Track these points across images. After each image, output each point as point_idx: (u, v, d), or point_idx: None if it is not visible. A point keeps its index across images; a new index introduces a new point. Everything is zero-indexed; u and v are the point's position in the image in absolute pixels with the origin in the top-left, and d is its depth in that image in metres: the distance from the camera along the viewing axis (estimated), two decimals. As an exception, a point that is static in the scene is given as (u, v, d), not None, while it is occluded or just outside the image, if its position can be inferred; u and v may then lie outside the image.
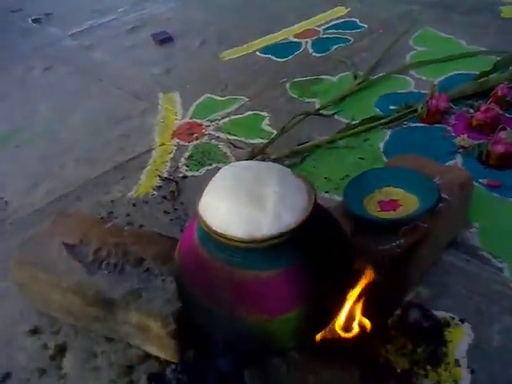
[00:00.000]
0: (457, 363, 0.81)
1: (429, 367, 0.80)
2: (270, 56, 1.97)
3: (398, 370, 0.79)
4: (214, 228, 0.63)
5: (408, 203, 0.92)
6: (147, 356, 0.87)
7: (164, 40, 2.22)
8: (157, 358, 0.86)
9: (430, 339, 0.83)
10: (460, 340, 0.84)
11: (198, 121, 1.58)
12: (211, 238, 0.64)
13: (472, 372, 0.79)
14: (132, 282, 0.84)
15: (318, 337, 0.73)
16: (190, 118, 1.60)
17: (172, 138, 1.51)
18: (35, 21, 2.74)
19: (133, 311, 0.81)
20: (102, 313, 0.85)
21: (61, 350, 0.92)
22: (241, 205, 0.63)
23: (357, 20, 2.20)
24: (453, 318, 0.87)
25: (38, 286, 0.92)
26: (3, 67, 2.20)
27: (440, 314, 0.88)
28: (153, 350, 0.85)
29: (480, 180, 1.18)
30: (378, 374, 0.77)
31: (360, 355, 0.74)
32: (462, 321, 0.87)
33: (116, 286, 0.84)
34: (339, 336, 0.73)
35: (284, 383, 0.69)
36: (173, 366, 0.85)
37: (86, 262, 0.89)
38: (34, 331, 0.96)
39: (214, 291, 0.65)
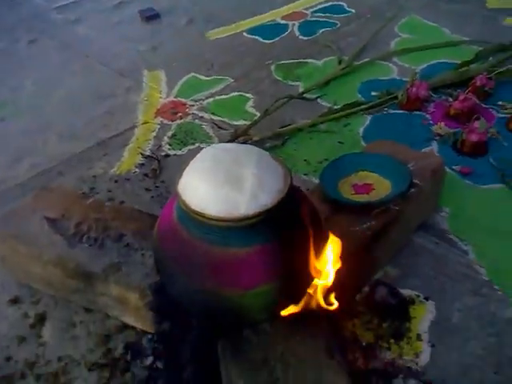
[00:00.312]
0: (419, 338, 0.86)
1: (392, 341, 0.85)
2: (256, 37, 1.98)
3: (363, 343, 0.83)
4: (193, 207, 0.65)
5: (381, 187, 0.96)
6: (124, 326, 0.91)
7: (151, 17, 2.21)
8: (134, 329, 0.90)
9: (395, 315, 0.88)
10: (423, 316, 0.89)
11: (183, 100, 1.59)
12: (190, 216, 0.66)
13: (432, 346, 0.84)
14: (112, 256, 0.87)
15: (288, 310, 0.77)
16: (175, 97, 1.61)
17: (156, 117, 1.52)
18: (20, -8, 2.70)
19: (112, 283, 0.83)
20: (82, 285, 0.88)
21: (40, 319, 0.95)
22: (219, 185, 0.66)
23: (344, 4, 2.22)
24: (418, 296, 0.92)
25: (19, 258, 0.95)
26: (-12, 38, 2.17)
27: (406, 292, 0.93)
28: (130, 320, 0.89)
29: (453, 167, 1.22)
30: (344, 345, 0.82)
31: (327, 328, 0.78)
32: (427, 299, 0.92)
33: (96, 260, 0.86)
34: (308, 310, 0.77)
35: (254, 353, 0.73)
36: (149, 336, 0.88)
37: (66, 236, 0.92)
38: (15, 301, 0.99)
39: (191, 267, 0.68)
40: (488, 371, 0.81)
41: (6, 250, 0.96)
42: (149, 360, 0.85)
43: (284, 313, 0.74)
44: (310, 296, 0.76)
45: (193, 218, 0.67)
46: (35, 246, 0.91)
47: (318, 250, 0.72)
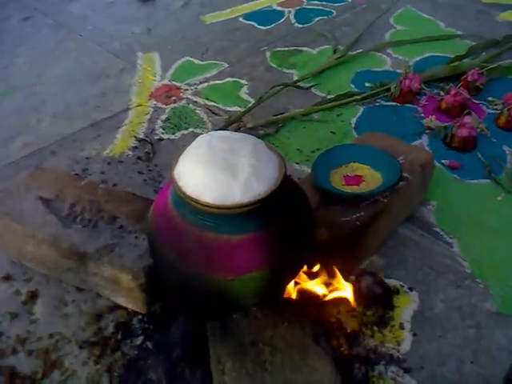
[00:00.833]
0: (401, 326, 0.89)
1: (375, 328, 0.88)
2: (252, 23, 1.98)
3: (348, 330, 0.86)
4: (188, 193, 0.67)
5: (371, 179, 0.98)
6: (116, 306, 0.92)
7: (146, -2, 2.19)
8: (125, 309, 0.91)
9: (379, 304, 0.90)
10: (406, 306, 0.92)
11: (177, 84, 1.60)
12: (184, 202, 0.68)
13: (414, 335, 0.87)
14: (105, 238, 0.88)
15: (278, 296, 0.79)
16: (169, 81, 1.61)
17: (149, 100, 1.52)
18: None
19: (105, 264, 0.85)
20: (75, 264, 0.89)
21: (32, 297, 0.96)
22: (215, 173, 0.67)
23: (341, -7, 2.22)
24: (402, 286, 0.95)
25: (13, 236, 0.95)
26: (-20, 13, 2.14)
27: (391, 282, 0.96)
28: (121, 301, 0.91)
29: (442, 161, 1.24)
30: (329, 331, 0.85)
31: (313, 314, 0.81)
32: (411, 289, 0.95)
33: (90, 240, 0.88)
34: (297, 295, 0.80)
35: (243, 336, 0.75)
36: (139, 317, 0.90)
37: (60, 216, 0.93)
38: (7, 278, 1.00)
39: (185, 252, 0.70)
40: (465, 361, 0.84)
41: (0, 228, 0.96)
42: (139, 340, 0.87)
43: (274, 298, 0.77)
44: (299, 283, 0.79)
45: (187, 204, 0.69)
46: (29, 225, 0.92)
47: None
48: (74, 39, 1.91)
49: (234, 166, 0.69)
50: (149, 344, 0.86)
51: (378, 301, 0.91)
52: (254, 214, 0.68)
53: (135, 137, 1.36)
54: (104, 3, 2.20)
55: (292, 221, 0.73)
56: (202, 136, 0.75)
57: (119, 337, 0.88)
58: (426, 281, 0.97)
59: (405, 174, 0.97)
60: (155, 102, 1.51)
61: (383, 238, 1.02)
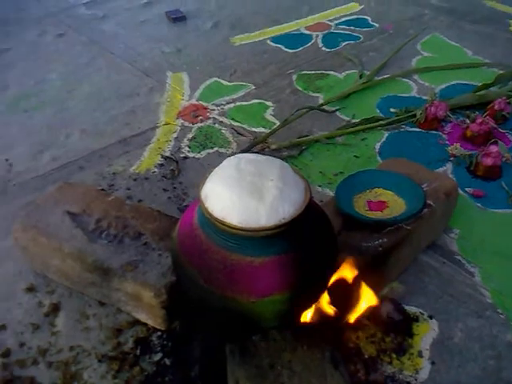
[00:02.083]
0: (420, 354, 0.88)
1: (394, 355, 0.87)
2: (280, 46, 2.01)
3: (366, 356, 0.86)
4: (214, 215, 0.68)
5: (395, 206, 0.98)
6: (136, 322, 0.94)
7: (177, 18, 2.25)
8: (144, 325, 0.93)
9: (398, 331, 0.90)
10: (426, 334, 0.91)
11: (204, 103, 1.63)
12: (210, 222, 0.69)
13: (432, 363, 0.87)
14: (130, 254, 0.90)
15: (298, 319, 0.79)
16: (197, 100, 1.64)
17: (177, 118, 1.55)
18: (51, -15, 2.75)
19: (128, 280, 0.86)
20: (99, 279, 0.91)
21: (55, 309, 0.98)
22: (242, 195, 0.69)
23: (369, 18, 2.24)
24: (422, 314, 0.94)
25: (39, 249, 0.98)
26: (18, 29, 2.22)
27: (411, 309, 0.95)
28: (142, 317, 0.92)
29: (466, 189, 1.24)
30: (347, 356, 0.84)
31: (332, 339, 0.80)
32: (431, 317, 0.94)
33: (114, 256, 0.89)
34: (316, 320, 0.80)
35: (262, 358, 0.75)
36: (159, 333, 0.91)
37: (87, 231, 0.95)
38: (31, 289, 1.02)
39: (209, 271, 0.71)
40: (485, 393, 0.83)
41: (27, 240, 0.99)
42: (157, 356, 0.88)
43: (294, 322, 0.77)
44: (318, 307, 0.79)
45: (213, 225, 0.70)
46: (56, 239, 0.94)
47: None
48: (106, 57, 1.96)
49: (261, 189, 0.70)
50: (167, 361, 0.87)
51: (397, 328, 0.90)
52: (278, 237, 0.69)
53: (161, 154, 1.38)
54: (135, 22, 2.26)
55: (315, 245, 0.74)
56: (229, 158, 0.77)
57: (138, 352, 0.89)
58: (447, 309, 0.96)
59: (429, 202, 0.97)
60: (182, 121, 1.54)
61: (405, 264, 1.01)
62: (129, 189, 1.27)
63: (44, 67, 1.90)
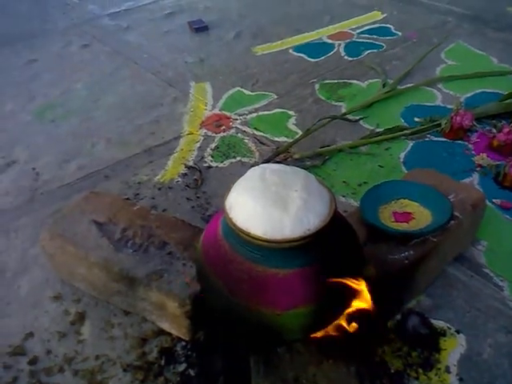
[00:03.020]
0: (447, 370, 0.86)
1: (421, 371, 0.85)
2: (302, 55, 2.01)
3: (392, 370, 0.84)
4: (239, 225, 0.68)
5: (421, 217, 0.97)
6: (160, 331, 0.94)
7: (200, 29, 2.27)
8: (169, 335, 0.93)
9: (425, 345, 0.88)
10: (453, 349, 0.89)
11: (227, 113, 1.63)
12: (235, 233, 0.69)
13: (460, 380, 0.85)
14: (155, 263, 0.90)
15: (323, 332, 0.79)
16: (220, 110, 1.65)
17: (200, 128, 1.56)
18: (76, -3, 2.81)
19: (153, 290, 0.87)
20: (124, 288, 0.92)
21: (81, 318, 0.99)
22: (266, 206, 0.68)
23: (391, 27, 2.23)
24: (449, 329, 0.92)
25: (66, 257, 0.99)
26: (43, 41, 2.27)
27: (438, 323, 0.93)
28: (166, 326, 0.92)
29: (493, 200, 1.21)
30: (373, 371, 0.83)
31: (358, 353, 0.79)
32: (458, 332, 0.92)
33: (140, 265, 0.90)
34: (341, 333, 0.79)
35: (286, 371, 0.75)
36: (183, 343, 0.91)
37: (113, 240, 0.96)
38: (57, 297, 1.03)
39: (233, 283, 0.71)
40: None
41: (54, 249, 1.00)
42: (182, 367, 0.88)
43: (318, 335, 0.76)
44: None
45: (237, 236, 0.70)
46: (82, 248, 0.96)
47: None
48: (130, 67, 1.99)
49: (285, 200, 0.70)
50: (191, 372, 0.87)
51: (424, 342, 0.89)
52: (303, 249, 0.68)
53: (185, 164, 1.39)
54: (159, 33, 2.29)
55: (340, 257, 0.73)
56: (253, 168, 0.77)
57: (163, 362, 0.89)
58: (475, 324, 0.94)
59: (456, 214, 0.96)
60: (205, 131, 1.55)
61: (431, 277, 1.00)
62: (153, 198, 1.28)
63: (69, 77, 1.93)
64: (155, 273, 0.88)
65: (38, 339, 0.96)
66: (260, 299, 0.70)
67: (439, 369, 0.86)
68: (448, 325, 0.93)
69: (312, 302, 0.70)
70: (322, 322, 0.75)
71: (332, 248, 0.71)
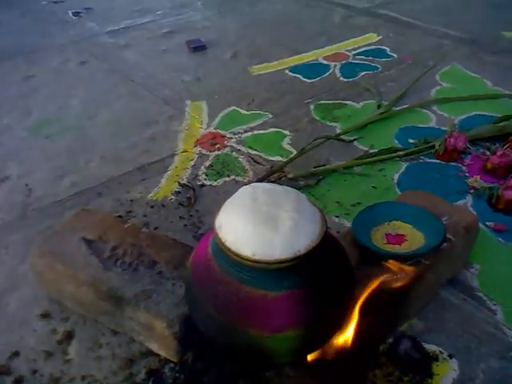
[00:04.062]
0: (440, 396, 0.84)
1: (412, 396, 0.84)
2: (298, 75, 2.02)
3: (383, 396, 0.83)
4: (228, 245, 0.67)
5: (414, 239, 0.96)
6: (148, 352, 0.92)
7: (197, 48, 2.29)
8: (157, 356, 0.91)
9: (417, 370, 0.87)
10: (446, 374, 0.87)
11: (222, 132, 1.64)
12: (224, 253, 0.68)
13: (453, 406, 0.83)
14: (144, 283, 0.89)
15: (313, 356, 0.77)
16: (215, 129, 1.66)
17: (195, 146, 1.56)
18: (75, 14, 2.85)
19: (142, 310, 0.86)
20: (112, 308, 0.90)
21: (68, 337, 0.97)
22: (256, 226, 0.67)
23: (387, 49, 2.25)
24: (442, 353, 0.91)
25: (55, 275, 0.98)
26: (42, 57, 2.29)
27: (430, 347, 0.92)
28: (154, 347, 0.90)
29: (487, 223, 1.21)
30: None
31: (349, 377, 0.78)
32: (451, 356, 0.90)
33: (128, 284, 0.89)
34: (331, 356, 0.78)
35: (275, 396, 0.74)
36: (171, 365, 0.89)
37: (102, 258, 0.95)
38: (45, 315, 1.02)
39: (221, 304, 0.70)
40: None
41: (42, 267, 0.99)
42: (169, 389, 0.87)
43: (308, 358, 0.75)
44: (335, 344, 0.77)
45: (226, 256, 0.69)
46: (71, 266, 0.94)
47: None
48: (127, 85, 2.00)
49: (276, 220, 0.69)
50: (179, 394, 0.86)
51: (415, 366, 0.87)
52: (293, 270, 0.67)
53: (179, 182, 1.39)
54: (157, 51, 2.31)
55: (331, 279, 0.72)
56: (244, 187, 0.76)
57: (150, 384, 0.88)
58: (468, 349, 0.92)
59: (448, 236, 0.95)
60: (200, 149, 1.55)
61: (424, 300, 0.99)
62: (145, 216, 1.27)
63: (66, 93, 1.94)
64: (144, 293, 0.87)
65: (24, 358, 0.94)
66: (248, 321, 0.69)
67: (431, 394, 0.85)
68: (440, 349, 0.92)
69: (301, 324, 0.69)
70: (312, 345, 0.74)
71: (322, 270, 0.71)
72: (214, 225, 0.71)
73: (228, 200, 0.75)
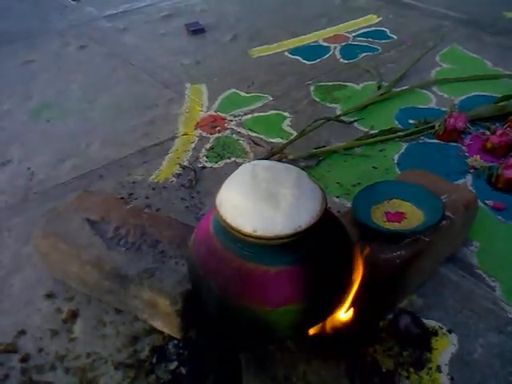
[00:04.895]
0: (439, 369, 0.86)
1: (412, 370, 0.85)
2: (298, 57, 2.02)
3: (383, 370, 0.84)
4: (229, 222, 0.68)
5: (413, 217, 0.97)
6: (152, 330, 0.94)
7: (196, 31, 2.27)
8: (161, 333, 0.93)
9: (416, 345, 0.88)
10: (445, 349, 0.89)
11: (222, 114, 1.64)
12: (225, 230, 0.69)
13: (452, 379, 0.85)
14: (147, 261, 0.90)
15: (314, 330, 0.79)
16: (215, 111, 1.66)
17: (195, 129, 1.57)
18: (74, -2, 2.82)
19: (145, 288, 0.87)
20: (116, 286, 0.92)
21: (73, 316, 0.99)
22: (257, 202, 0.68)
23: (387, 30, 2.24)
24: (441, 328, 0.93)
25: (59, 256, 0.99)
26: (41, 41, 2.28)
27: (430, 322, 0.93)
28: (158, 325, 0.92)
29: (486, 201, 1.22)
30: (364, 370, 0.83)
31: (349, 351, 0.79)
32: (450, 331, 0.92)
33: (132, 263, 0.90)
34: (333, 331, 0.79)
35: (277, 369, 0.75)
36: (175, 342, 0.91)
37: (105, 238, 0.96)
38: (50, 295, 1.04)
39: (224, 280, 0.71)
40: (506, 410, 0.81)
41: (46, 247, 1.00)
42: (173, 365, 0.88)
43: (309, 332, 0.76)
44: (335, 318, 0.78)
45: (228, 232, 0.70)
46: (75, 246, 0.96)
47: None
48: (126, 68, 1.99)
49: (276, 196, 0.69)
50: (183, 370, 0.87)
51: (415, 341, 0.89)
52: (294, 246, 0.68)
53: (180, 164, 1.39)
54: (156, 34, 2.29)
55: (331, 255, 0.73)
56: (244, 165, 0.76)
57: (154, 360, 0.89)
58: (466, 324, 0.94)
59: (447, 214, 0.96)
60: (200, 132, 1.55)
61: (423, 277, 1.00)
62: (147, 198, 1.28)
63: (66, 78, 1.94)
64: (147, 271, 0.88)
65: (30, 337, 0.96)
66: (250, 296, 0.70)
67: (430, 368, 0.86)
68: (440, 324, 0.93)
69: (302, 299, 0.70)
70: (313, 319, 0.75)
71: (323, 245, 0.71)
72: (215, 202, 0.72)
73: (228, 177, 0.75)
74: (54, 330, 0.97)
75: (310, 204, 0.70)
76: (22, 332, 0.96)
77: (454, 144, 1.45)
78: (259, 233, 0.67)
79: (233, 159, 1.42)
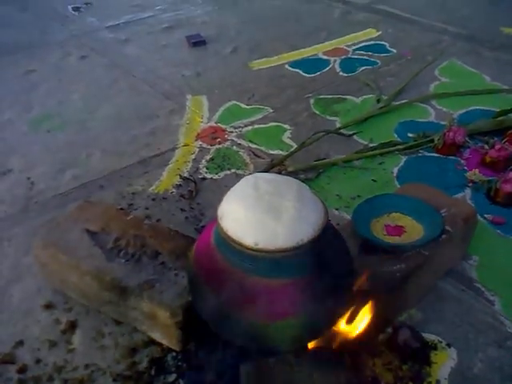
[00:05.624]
0: (438, 384, 0.86)
1: (411, 384, 0.85)
2: (298, 70, 2.03)
3: (382, 383, 0.84)
4: (231, 234, 0.68)
5: (413, 231, 0.98)
6: (151, 341, 0.94)
7: (197, 43, 2.29)
8: (160, 345, 0.93)
9: (416, 359, 0.88)
10: (444, 363, 0.89)
11: (222, 126, 1.65)
12: (227, 242, 0.69)
13: (451, 394, 0.85)
14: (147, 273, 0.90)
15: (314, 343, 0.79)
16: (215, 123, 1.67)
17: (196, 140, 1.57)
18: (75, 9, 2.84)
19: (145, 299, 0.87)
20: (116, 298, 0.91)
21: (71, 327, 0.99)
22: (259, 215, 0.68)
23: (386, 44, 2.26)
24: (440, 342, 0.93)
25: (58, 266, 0.99)
26: (42, 52, 2.29)
27: (429, 336, 0.93)
28: (157, 336, 0.92)
29: (485, 215, 1.22)
30: (363, 383, 0.83)
31: (349, 365, 0.79)
32: (449, 345, 0.92)
33: (132, 275, 0.90)
34: (332, 344, 0.79)
35: (276, 381, 0.75)
36: (173, 354, 0.91)
37: (105, 249, 0.96)
38: (49, 306, 1.03)
39: (224, 292, 0.71)
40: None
41: (46, 258, 1.00)
42: (172, 377, 0.88)
43: (309, 346, 0.76)
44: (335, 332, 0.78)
45: (229, 245, 0.70)
46: (74, 257, 0.95)
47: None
48: (127, 79, 2.00)
49: (278, 209, 0.70)
50: (181, 382, 0.87)
51: (414, 355, 0.89)
52: (295, 259, 0.69)
53: (180, 175, 1.40)
54: (157, 46, 2.31)
55: (332, 268, 0.73)
56: (246, 177, 0.77)
57: (153, 372, 0.89)
58: (466, 338, 0.94)
59: (447, 228, 0.96)
60: (201, 143, 1.56)
61: (423, 291, 1.00)
62: (147, 208, 1.28)
63: (67, 88, 1.95)
64: (147, 282, 0.88)
65: (28, 348, 0.95)
66: (251, 309, 0.70)
67: (430, 382, 0.86)
68: (439, 338, 0.93)
69: (303, 313, 0.70)
70: (313, 333, 0.75)
71: (324, 258, 0.72)
72: (217, 215, 0.72)
73: (230, 189, 0.75)
74: (52, 340, 0.96)
75: (311, 217, 0.70)
76: (20, 342, 0.96)
77: (452, 158, 1.45)
78: (261, 246, 0.67)
79: (233, 170, 1.42)
